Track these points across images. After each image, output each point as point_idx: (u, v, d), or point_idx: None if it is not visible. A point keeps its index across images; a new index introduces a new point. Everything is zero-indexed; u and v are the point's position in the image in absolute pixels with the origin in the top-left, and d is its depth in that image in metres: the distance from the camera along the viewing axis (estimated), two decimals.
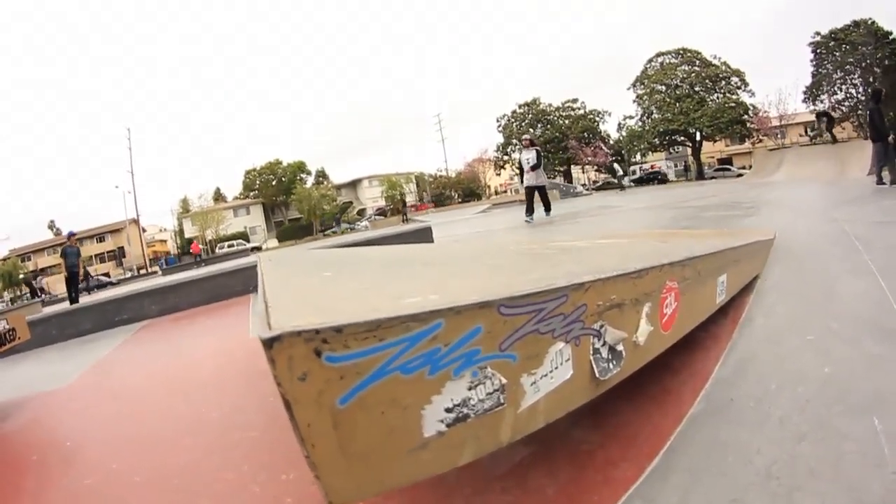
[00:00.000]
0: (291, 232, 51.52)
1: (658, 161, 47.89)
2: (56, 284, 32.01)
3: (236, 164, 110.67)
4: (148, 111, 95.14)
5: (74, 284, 11.51)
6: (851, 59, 34.55)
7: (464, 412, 0.85)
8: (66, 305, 9.16)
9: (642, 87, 42.32)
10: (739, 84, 39.63)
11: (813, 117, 28.30)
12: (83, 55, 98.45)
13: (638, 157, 47.38)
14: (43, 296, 25.58)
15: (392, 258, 2.43)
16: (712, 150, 46.68)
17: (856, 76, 35.05)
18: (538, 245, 3.34)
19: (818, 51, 36.70)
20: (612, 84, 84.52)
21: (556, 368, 1.04)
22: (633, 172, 44.30)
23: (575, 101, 48.35)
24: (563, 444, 1.49)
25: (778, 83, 71.18)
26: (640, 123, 42.67)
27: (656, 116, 40.58)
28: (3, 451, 2.55)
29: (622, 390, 1.40)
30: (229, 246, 43.09)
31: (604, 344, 1.18)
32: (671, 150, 44.74)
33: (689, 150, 41.95)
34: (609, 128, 48.17)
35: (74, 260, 11.50)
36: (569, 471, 1.38)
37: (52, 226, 56.38)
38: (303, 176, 56.64)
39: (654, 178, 40.92)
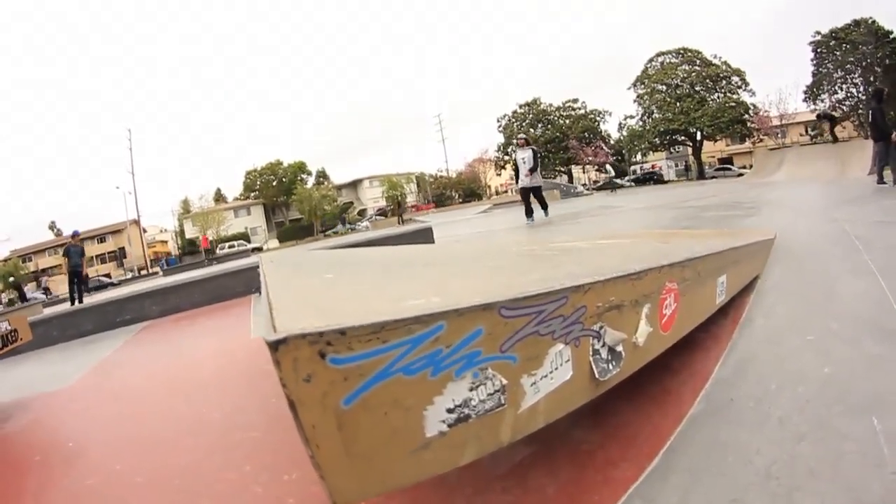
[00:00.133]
0: (292, 232, 51.54)
1: (659, 161, 47.92)
2: (60, 285, 32.03)
3: (237, 165, 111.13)
4: (148, 111, 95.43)
5: (77, 284, 11.23)
6: (852, 59, 34.54)
7: (465, 413, 0.86)
8: (67, 306, 9.17)
9: (643, 86, 42.33)
10: (740, 83, 39.64)
11: (814, 116, 28.24)
12: (83, 55, 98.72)
13: (639, 156, 47.41)
14: (31, 297, 25.47)
15: (393, 259, 2.44)
16: (713, 150, 46.68)
17: (856, 75, 35.05)
18: (538, 246, 3.34)
19: (819, 50, 36.70)
20: (613, 84, 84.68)
21: (556, 369, 1.05)
22: (634, 172, 44.36)
23: (575, 101, 48.39)
24: (564, 444, 1.49)
25: (778, 83, 71.18)
26: (640, 123, 42.69)
27: (657, 116, 40.60)
28: (6, 452, 2.56)
29: (622, 390, 1.41)
30: (230, 247, 43.08)
31: (603, 345, 1.19)
32: (672, 150, 44.76)
33: (690, 150, 41.97)
34: (610, 127, 48.27)
35: (77, 259, 11.25)
36: (569, 470, 1.39)
37: (52, 226, 56.42)
38: (303, 176, 56.67)
39: (650, 178, 41.11)
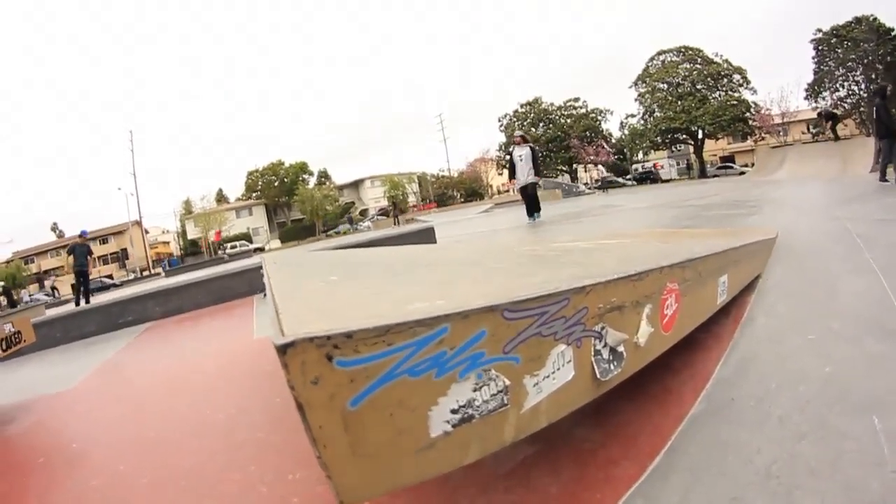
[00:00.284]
0: (294, 233, 51.63)
1: (660, 159, 47.86)
2: (67, 286, 32.05)
3: (238, 165, 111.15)
4: (149, 112, 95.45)
5: (84, 284, 11.06)
6: (853, 56, 34.48)
7: (469, 413, 0.87)
8: (69, 308, 9.19)
9: (644, 85, 42.32)
10: (741, 82, 39.60)
11: (815, 114, 28.16)
12: (83, 55, 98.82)
13: (640, 155, 47.37)
14: (34, 298, 25.45)
15: (396, 260, 2.45)
16: (714, 148, 46.64)
17: (857, 73, 35.01)
18: (540, 246, 3.35)
19: (820, 48, 36.66)
20: (614, 83, 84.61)
21: (558, 370, 1.06)
22: (636, 171, 44.38)
23: (577, 100, 48.41)
24: (566, 443, 1.51)
25: (779, 81, 71.10)
26: (642, 122, 42.67)
27: (658, 115, 40.58)
28: (10, 454, 2.57)
29: (624, 390, 1.42)
30: (232, 247, 43.22)
31: (605, 345, 1.20)
32: (673, 149, 44.73)
33: (692, 149, 41.92)
34: (611, 126, 48.24)
35: (83, 259, 11.03)
36: (571, 469, 1.40)
37: (54, 228, 56.40)
38: (305, 177, 56.76)
39: (647, 177, 41.24)
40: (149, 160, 78.62)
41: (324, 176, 59.20)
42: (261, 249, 38.97)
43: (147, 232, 51.64)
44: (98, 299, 10.37)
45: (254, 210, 57.20)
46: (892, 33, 33.41)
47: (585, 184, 42.56)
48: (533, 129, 46.01)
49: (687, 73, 40.36)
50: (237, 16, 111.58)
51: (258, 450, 1.87)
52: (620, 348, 1.24)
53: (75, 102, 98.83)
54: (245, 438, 2.02)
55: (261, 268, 2.54)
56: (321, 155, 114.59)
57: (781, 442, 1.37)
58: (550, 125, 47.60)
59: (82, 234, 12.12)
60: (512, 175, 9.58)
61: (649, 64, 42.82)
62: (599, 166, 40.00)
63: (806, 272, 2.81)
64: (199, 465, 1.87)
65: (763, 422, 1.49)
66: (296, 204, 53.01)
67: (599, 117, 47.77)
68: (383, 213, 46.74)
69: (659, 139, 41.14)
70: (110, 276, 41.71)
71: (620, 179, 42.38)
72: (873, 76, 32.89)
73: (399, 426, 0.79)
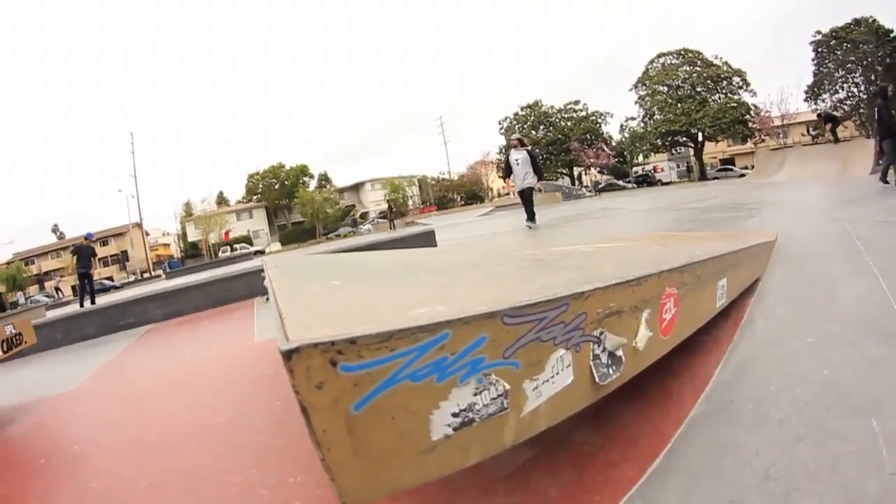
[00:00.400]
0: (294, 235, 51.70)
1: (661, 162, 47.91)
2: (69, 288, 32.08)
3: (239, 167, 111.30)
4: (150, 112, 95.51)
5: (88, 285, 10.91)
6: (853, 58, 34.49)
7: (469, 417, 0.89)
8: (70, 309, 9.20)
9: (644, 88, 42.32)
10: (741, 84, 39.59)
11: (815, 116, 28.17)
12: (83, 55, 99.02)
13: (640, 157, 47.40)
14: (34, 299, 25.47)
15: (397, 264, 2.46)
16: (714, 151, 46.67)
17: (857, 75, 35.00)
18: (540, 250, 3.36)
19: (819, 49, 36.65)
20: (614, 83, 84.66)
21: (558, 374, 1.07)
22: (636, 174, 44.51)
23: (577, 102, 48.38)
24: (565, 446, 1.51)
25: (779, 83, 71.06)
26: (642, 124, 42.67)
27: (658, 117, 40.57)
28: (11, 455, 2.58)
29: (623, 393, 1.43)
30: (232, 250, 43.28)
31: (603, 350, 1.21)
32: (673, 151, 44.73)
33: (692, 151, 41.92)
34: (612, 129, 48.24)
35: (86, 261, 10.90)
36: (571, 472, 1.41)
37: (55, 229, 56.57)
38: (305, 179, 56.78)
39: (644, 180, 41.60)
40: (149, 160, 78.60)
41: (324, 179, 59.28)
42: (261, 252, 39.01)
43: (147, 234, 51.71)
44: (98, 301, 10.38)
45: (254, 213, 57.25)
46: (892, 35, 33.40)
47: (585, 186, 42.63)
48: (533, 132, 46.03)
49: (687, 76, 40.37)
50: (238, 15, 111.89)
51: (259, 453, 1.88)
52: (619, 353, 1.25)
53: (76, 102, 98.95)
54: (246, 441, 2.02)
55: (262, 271, 2.55)
56: (321, 156, 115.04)
57: (780, 444, 1.38)
58: (551, 128, 47.58)
59: (88, 237, 12.10)
60: (507, 175, 9.37)
61: (649, 66, 42.84)
62: (595, 169, 40.04)
63: (805, 275, 2.82)
64: (200, 468, 1.88)
65: (762, 424, 1.50)
66: (296, 206, 53.07)
67: (599, 120, 47.76)
68: (384, 216, 46.81)
69: (659, 142, 41.13)
70: (111, 278, 41.70)
71: (620, 182, 42.45)
72: (873, 78, 32.88)
73: (401, 430, 0.80)
